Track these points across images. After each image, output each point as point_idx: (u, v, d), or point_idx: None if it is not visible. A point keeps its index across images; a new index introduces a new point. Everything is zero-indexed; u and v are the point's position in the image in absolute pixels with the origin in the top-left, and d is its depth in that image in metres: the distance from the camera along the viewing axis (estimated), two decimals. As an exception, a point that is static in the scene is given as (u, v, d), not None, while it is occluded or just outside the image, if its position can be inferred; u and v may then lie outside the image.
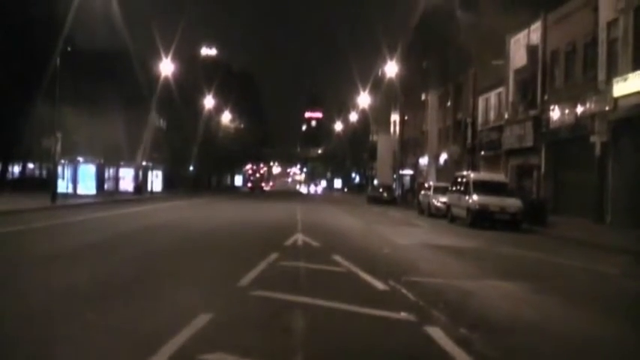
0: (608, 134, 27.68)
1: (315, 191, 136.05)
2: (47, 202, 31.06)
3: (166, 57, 58.33)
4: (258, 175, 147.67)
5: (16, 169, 56.37)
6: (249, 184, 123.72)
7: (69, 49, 38.03)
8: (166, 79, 59.43)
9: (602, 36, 28.77)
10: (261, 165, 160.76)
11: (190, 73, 76.50)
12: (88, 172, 47.19)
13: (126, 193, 52.73)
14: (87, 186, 45.98)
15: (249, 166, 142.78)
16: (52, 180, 34.97)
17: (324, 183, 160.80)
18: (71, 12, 34.21)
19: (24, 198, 33.94)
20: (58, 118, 33.86)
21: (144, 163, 59.48)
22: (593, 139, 28.62)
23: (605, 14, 28.54)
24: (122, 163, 55.31)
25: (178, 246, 16.33)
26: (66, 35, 35.24)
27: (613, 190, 27.64)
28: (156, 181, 61.11)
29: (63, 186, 41.53)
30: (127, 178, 55.96)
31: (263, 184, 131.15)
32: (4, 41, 41.52)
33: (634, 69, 25.84)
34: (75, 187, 44.85)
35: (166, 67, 58.37)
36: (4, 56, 41.35)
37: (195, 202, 44.54)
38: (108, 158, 51.35)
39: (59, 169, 40.06)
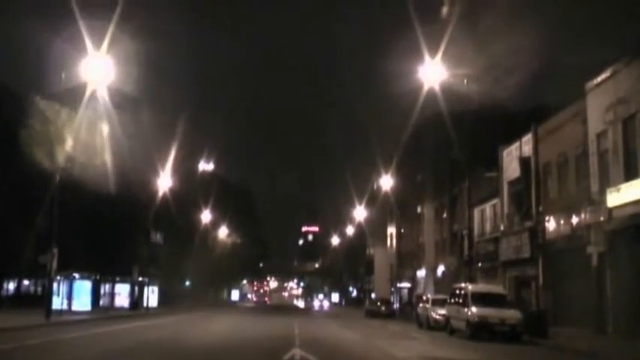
0: (605, 245, 27.72)
1: (321, 307, 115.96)
2: (41, 319, 30.66)
3: (163, 172, 59.01)
4: (261, 291, 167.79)
5: (12, 285, 55.91)
6: (255, 299, 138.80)
7: (68, 165, 38.48)
8: (164, 194, 59.83)
9: (593, 147, 29.26)
10: (265, 282, 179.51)
11: (187, 188, 77.11)
12: (83, 288, 46.73)
13: (121, 308, 52.10)
14: (82, 302, 45.45)
15: (245, 281, 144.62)
16: (47, 296, 34.65)
17: (321, 296, 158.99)
18: (71, 130, 34.84)
19: (18, 315, 33.53)
20: (55, 234, 33.87)
21: (140, 279, 59.06)
22: (589, 249, 28.66)
23: (594, 126, 29.14)
24: (118, 279, 54.92)
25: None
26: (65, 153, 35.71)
27: (613, 300, 27.41)
28: (152, 296, 60.43)
29: (58, 302, 41.06)
30: (122, 294, 55.45)
31: (266, 299, 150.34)
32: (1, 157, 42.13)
33: (626, 179, 26.15)
34: (70, 304, 44.33)
35: (163, 183, 58.90)
36: (2, 173, 41.85)
37: (192, 317, 44.00)
38: (104, 274, 51.01)
39: (55, 285, 39.75)
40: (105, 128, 46.32)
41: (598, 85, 28.93)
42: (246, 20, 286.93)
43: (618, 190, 26.44)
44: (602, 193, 27.71)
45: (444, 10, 40.62)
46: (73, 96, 35.47)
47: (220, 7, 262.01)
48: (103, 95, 35.51)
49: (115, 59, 31.87)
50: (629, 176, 26.10)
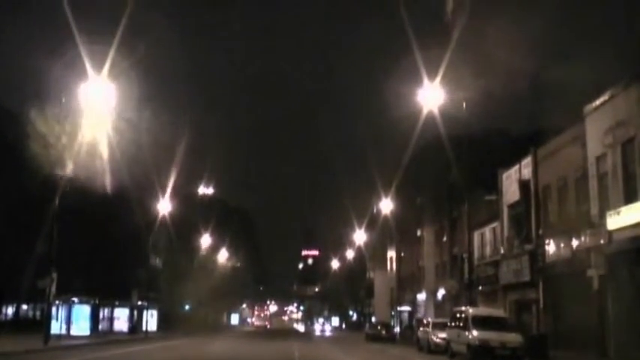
0: (605, 267, 27.62)
1: (322, 331, 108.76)
2: (40, 344, 30.48)
3: (163, 196, 59.01)
4: (262, 315, 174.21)
5: (10, 310, 55.72)
6: (255, 323, 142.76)
7: (67, 188, 38.49)
8: (163, 217, 59.79)
9: (592, 170, 29.24)
10: (265, 306, 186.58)
11: (187, 212, 77.13)
12: (82, 312, 46.61)
13: (120, 333, 51.91)
14: (80, 327, 45.31)
15: (245, 305, 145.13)
16: (45, 321, 34.50)
17: (322, 320, 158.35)
18: (71, 155, 34.87)
19: (17, 340, 33.36)
20: (54, 259, 33.79)
21: (139, 303, 58.85)
22: (590, 272, 28.56)
23: (593, 149, 29.14)
24: (117, 303, 54.74)
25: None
26: (66, 177, 35.71)
27: (614, 323, 27.28)
28: (151, 320, 60.22)
29: (57, 327, 40.90)
30: (121, 318, 55.26)
31: (267, 323, 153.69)
32: (1, 181, 42.16)
33: (626, 202, 26.11)
34: (68, 328, 44.17)
35: (163, 206, 58.88)
36: (2, 198, 41.83)
37: (193, 341, 43.75)
38: (103, 298, 50.87)
39: (53, 309, 39.59)
40: (105, 151, 46.35)
41: (596, 108, 28.98)
42: (246, 25, 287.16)
43: (618, 213, 26.39)
44: (602, 216, 27.66)
45: (447, 15, 40.63)
46: (73, 119, 35.53)
47: (219, 36, 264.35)
48: (104, 118, 35.56)
49: (114, 82, 31.98)
50: (628, 199, 26.07)
